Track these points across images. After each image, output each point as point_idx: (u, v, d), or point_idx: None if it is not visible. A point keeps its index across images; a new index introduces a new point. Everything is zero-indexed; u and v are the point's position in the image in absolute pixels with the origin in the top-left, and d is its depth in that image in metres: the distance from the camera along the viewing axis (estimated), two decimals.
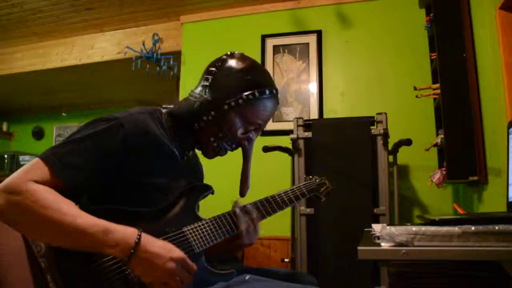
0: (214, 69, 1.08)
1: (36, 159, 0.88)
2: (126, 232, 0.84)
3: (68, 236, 0.83)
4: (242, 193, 1.15)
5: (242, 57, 1.09)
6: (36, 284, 0.91)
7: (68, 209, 0.84)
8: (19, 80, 4.41)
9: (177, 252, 0.87)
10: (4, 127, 6.16)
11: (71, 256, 0.86)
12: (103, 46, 3.78)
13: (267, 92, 1.06)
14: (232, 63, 1.07)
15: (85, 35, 3.85)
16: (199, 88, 1.09)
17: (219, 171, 2.84)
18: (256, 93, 1.04)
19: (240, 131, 1.08)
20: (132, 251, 0.83)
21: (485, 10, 1.87)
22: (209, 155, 1.12)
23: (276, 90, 1.10)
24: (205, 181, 1.19)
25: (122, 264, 0.87)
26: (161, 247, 0.86)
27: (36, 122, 6.13)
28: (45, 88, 4.91)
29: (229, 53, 1.11)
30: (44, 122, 6.10)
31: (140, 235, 0.84)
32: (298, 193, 1.26)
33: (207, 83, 1.06)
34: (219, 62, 1.09)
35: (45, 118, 6.07)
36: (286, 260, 2.52)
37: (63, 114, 5.86)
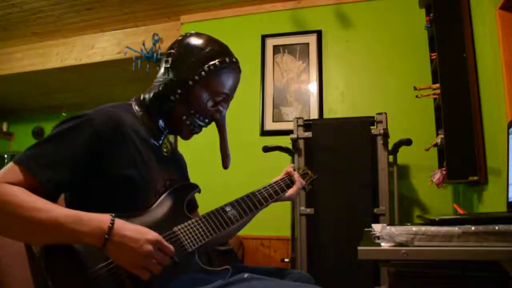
0: (172, 50, 1.10)
1: (10, 163, 0.88)
2: (99, 219, 0.84)
3: (43, 231, 0.83)
4: (225, 165, 1.17)
5: (197, 34, 1.12)
6: (36, 284, 0.91)
7: (40, 205, 0.83)
8: (19, 80, 4.41)
9: (152, 234, 0.87)
10: (4, 127, 6.16)
11: (63, 261, 0.85)
12: (103, 46, 3.78)
13: (227, 60, 1.09)
14: (189, 40, 1.10)
15: (85, 35, 3.85)
16: (161, 71, 1.10)
17: (207, 169, 2.85)
18: (216, 63, 1.07)
19: (209, 104, 1.09)
20: (106, 236, 0.83)
21: (485, 10, 1.87)
22: (185, 135, 1.13)
23: (236, 59, 1.12)
24: (194, 180, 1.20)
25: (115, 267, 0.86)
26: (135, 231, 0.86)
27: (36, 122, 6.13)
28: (45, 88, 4.91)
29: (183, 33, 1.14)
30: (44, 122, 6.10)
31: (113, 220, 0.85)
32: (283, 185, 1.30)
33: (168, 65, 1.08)
34: (176, 43, 1.11)
35: (45, 118, 6.07)
36: (286, 260, 2.52)
37: (63, 114, 5.85)
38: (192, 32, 1.14)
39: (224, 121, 1.14)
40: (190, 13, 3.38)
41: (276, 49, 3.12)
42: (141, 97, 1.12)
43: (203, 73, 1.06)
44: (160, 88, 1.08)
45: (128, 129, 1.01)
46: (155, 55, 3.43)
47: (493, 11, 1.72)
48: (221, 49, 1.11)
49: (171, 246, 0.90)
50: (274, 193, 1.25)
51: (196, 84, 1.06)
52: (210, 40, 1.11)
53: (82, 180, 0.94)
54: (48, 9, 3.36)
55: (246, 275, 1.00)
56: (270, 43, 3.14)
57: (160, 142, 1.12)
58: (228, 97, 1.13)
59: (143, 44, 3.49)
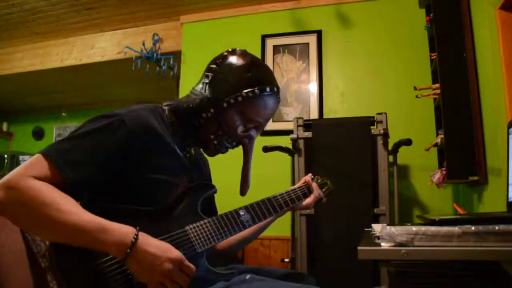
0: (214, 66, 1.07)
1: (38, 155, 0.88)
2: (122, 231, 0.84)
3: (65, 233, 0.83)
4: (243, 192, 1.14)
5: (243, 54, 1.08)
6: (36, 284, 0.91)
7: (65, 206, 0.83)
8: (19, 80, 4.40)
9: (175, 253, 0.87)
10: (4, 127, 6.15)
11: (72, 256, 0.86)
12: (103, 46, 3.78)
13: (268, 89, 1.05)
14: (233, 60, 1.06)
15: (85, 35, 3.85)
16: (200, 85, 1.08)
17: (222, 170, 2.85)
18: (256, 91, 1.03)
19: (240, 129, 1.07)
20: (128, 250, 0.82)
21: (485, 10, 1.86)
22: (210, 152, 1.12)
23: (278, 87, 1.08)
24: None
25: (123, 264, 0.87)
26: (158, 247, 0.85)
27: (36, 122, 6.13)
28: (45, 88, 4.91)
29: (230, 50, 1.10)
30: (44, 122, 6.10)
31: (137, 235, 0.84)
32: (300, 194, 1.27)
33: (207, 81, 1.06)
34: (220, 59, 1.08)
35: (45, 118, 6.06)
36: (286, 260, 2.52)
37: (63, 114, 5.85)
38: (238, 50, 1.10)
39: (252, 149, 1.11)
40: (190, 13, 3.38)
41: (276, 49, 3.12)
42: (174, 104, 1.09)
43: (239, 98, 1.03)
44: (195, 103, 1.05)
45: (158, 134, 1.00)
46: (155, 55, 3.43)
47: (493, 11, 1.72)
48: (263, 75, 1.07)
49: (192, 267, 0.89)
50: (290, 200, 1.22)
51: (230, 108, 1.03)
52: (254, 64, 1.07)
53: (105, 179, 0.94)
54: (48, 9, 3.36)
55: (247, 276, 1.00)
56: (270, 43, 3.14)
57: (185, 152, 1.11)
58: (261, 125, 1.10)
59: (143, 44, 3.49)
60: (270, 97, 1.06)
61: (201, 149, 1.15)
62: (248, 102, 1.04)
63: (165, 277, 0.84)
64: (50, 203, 0.82)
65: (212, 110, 1.04)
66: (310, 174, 1.37)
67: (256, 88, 1.03)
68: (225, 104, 1.03)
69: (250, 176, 1.14)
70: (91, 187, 0.94)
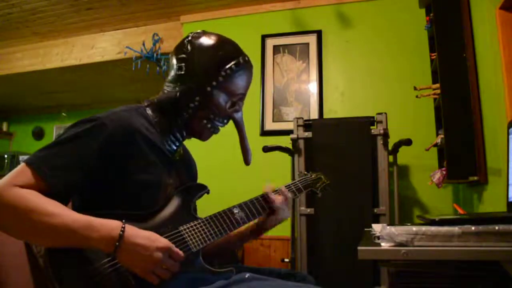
0: (183, 55, 1.08)
1: (21, 164, 0.89)
2: (109, 226, 0.85)
3: (53, 235, 0.84)
4: (247, 161, 1.16)
5: (206, 35, 1.10)
6: (36, 284, 0.91)
7: (50, 209, 0.84)
8: (19, 80, 4.41)
9: (163, 241, 0.88)
10: (4, 127, 6.16)
11: (71, 257, 0.86)
12: (103, 46, 3.78)
13: (241, 60, 1.08)
14: (200, 43, 1.08)
15: (85, 35, 3.85)
16: (174, 77, 1.08)
17: (214, 170, 2.84)
18: (233, 67, 1.06)
19: (228, 106, 1.10)
20: (117, 243, 0.83)
21: (485, 10, 1.87)
22: (205, 137, 1.14)
23: (248, 57, 1.12)
24: (201, 181, 1.19)
25: (119, 265, 0.87)
26: (146, 238, 0.86)
27: (36, 122, 6.13)
28: (45, 88, 4.91)
29: (190, 34, 1.10)
30: (44, 122, 6.10)
31: (123, 227, 0.85)
32: (294, 189, 1.27)
33: (182, 71, 1.07)
34: (186, 46, 1.08)
35: (45, 118, 6.07)
36: (286, 260, 2.52)
37: (63, 114, 5.85)
38: (199, 32, 1.11)
39: (242, 119, 1.15)
40: (190, 13, 3.38)
41: (276, 49, 3.12)
42: (156, 102, 1.10)
43: (220, 78, 1.05)
44: (177, 96, 1.06)
45: (141, 134, 1.00)
46: (155, 55, 3.43)
47: (493, 11, 1.72)
48: (233, 49, 1.10)
49: (180, 252, 0.91)
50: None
51: (214, 90, 1.06)
52: (221, 41, 1.10)
53: (92, 183, 0.94)
54: (48, 9, 3.36)
55: (247, 275, 1.00)
56: (270, 43, 3.14)
57: (175, 148, 1.12)
58: (244, 96, 1.14)
59: (143, 44, 3.49)
60: (246, 67, 1.10)
61: (195, 137, 1.15)
62: (229, 79, 1.07)
63: (156, 266, 0.86)
64: (35, 208, 0.82)
65: (197, 98, 1.05)
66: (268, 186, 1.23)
67: (232, 63, 1.06)
68: (209, 88, 1.05)
69: (249, 145, 1.16)
70: (78, 192, 0.95)
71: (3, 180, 0.86)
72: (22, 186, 0.85)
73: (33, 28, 3.72)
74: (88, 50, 3.83)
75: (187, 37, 1.11)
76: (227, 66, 1.06)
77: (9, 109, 5.97)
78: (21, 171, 0.87)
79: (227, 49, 1.09)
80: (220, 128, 1.14)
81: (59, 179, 0.88)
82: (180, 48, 1.10)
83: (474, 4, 2.02)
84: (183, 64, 1.07)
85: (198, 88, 1.05)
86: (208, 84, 1.05)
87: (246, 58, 1.11)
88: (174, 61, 1.09)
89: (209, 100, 1.06)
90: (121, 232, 0.84)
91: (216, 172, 2.79)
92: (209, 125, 1.10)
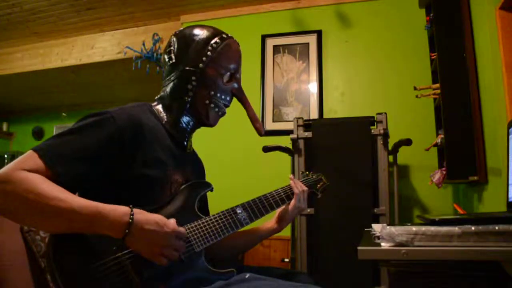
0: (170, 48, 1.14)
1: (29, 151, 0.89)
2: (118, 212, 0.86)
3: (61, 220, 0.84)
4: (259, 132, 1.20)
5: (186, 28, 1.16)
6: (36, 284, 0.91)
7: (59, 194, 0.84)
8: (19, 80, 4.40)
9: (171, 226, 0.90)
10: (4, 127, 6.15)
11: (71, 256, 0.86)
12: (103, 46, 3.78)
13: (224, 36, 1.15)
14: (183, 34, 1.14)
15: (85, 35, 3.85)
16: (168, 69, 1.13)
17: (219, 169, 2.84)
18: (217, 41, 1.12)
19: (225, 79, 1.14)
20: (126, 231, 0.84)
21: (485, 10, 1.87)
22: (212, 120, 1.16)
23: (226, 33, 1.17)
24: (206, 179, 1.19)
25: (122, 264, 0.87)
26: (155, 223, 0.88)
27: (36, 122, 6.13)
28: (45, 88, 4.91)
29: (172, 34, 1.17)
30: (44, 122, 6.10)
31: (133, 214, 0.86)
32: (289, 193, 1.26)
33: (173, 61, 1.12)
34: (171, 42, 1.15)
35: (45, 118, 6.07)
36: (286, 260, 2.52)
37: (63, 114, 5.86)
38: (180, 29, 1.18)
39: (243, 91, 1.19)
40: (190, 13, 3.38)
41: (276, 49, 3.12)
42: (160, 97, 1.15)
43: (209, 53, 1.10)
44: (175, 82, 1.10)
45: (148, 129, 1.02)
46: (155, 55, 3.43)
47: (493, 11, 1.72)
48: (213, 30, 1.16)
49: (183, 230, 0.93)
50: (286, 197, 1.23)
51: (207, 66, 1.10)
52: (201, 27, 1.16)
53: (97, 176, 0.95)
54: (48, 9, 3.36)
55: (247, 275, 1.00)
56: (270, 43, 3.13)
57: (185, 143, 1.14)
58: (237, 68, 1.17)
59: (143, 44, 3.49)
60: (230, 41, 1.15)
61: (204, 124, 1.17)
62: (218, 53, 1.12)
63: (166, 249, 0.88)
64: (43, 192, 0.82)
65: (193, 78, 1.09)
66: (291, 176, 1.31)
67: (216, 38, 1.13)
68: (201, 65, 1.10)
69: (256, 115, 1.21)
70: (83, 184, 0.94)
71: (11, 164, 0.86)
72: (30, 171, 0.85)
73: (33, 28, 3.72)
74: (88, 50, 3.83)
75: (172, 35, 1.18)
76: (212, 42, 1.12)
77: (9, 109, 5.97)
78: (29, 157, 0.88)
79: (209, 30, 1.15)
80: (225, 107, 1.16)
81: (64, 168, 0.89)
82: (167, 46, 1.16)
83: (474, 4, 2.02)
84: (172, 55, 1.12)
85: (191, 68, 1.09)
86: (199, 61, 1.10)
87: (229, 35, 1.17)
88: (165, 57, 1.15)
89: (205, 77, 1.10)
90: (130, 220, 0.85)
91: (216, 172, 2.79)
92: (212, 105, 1.12)
